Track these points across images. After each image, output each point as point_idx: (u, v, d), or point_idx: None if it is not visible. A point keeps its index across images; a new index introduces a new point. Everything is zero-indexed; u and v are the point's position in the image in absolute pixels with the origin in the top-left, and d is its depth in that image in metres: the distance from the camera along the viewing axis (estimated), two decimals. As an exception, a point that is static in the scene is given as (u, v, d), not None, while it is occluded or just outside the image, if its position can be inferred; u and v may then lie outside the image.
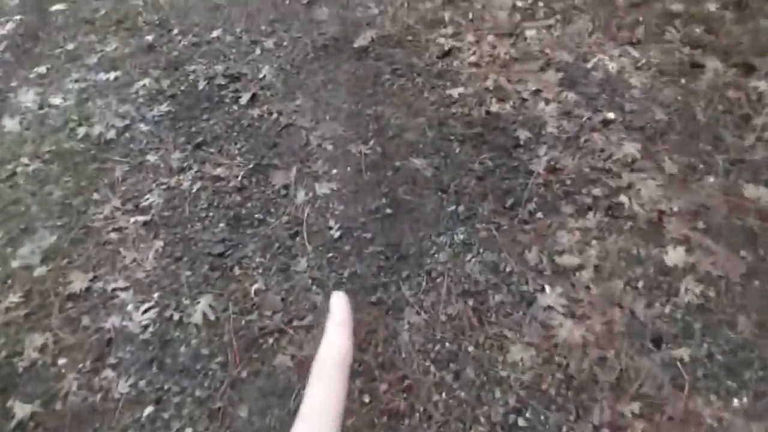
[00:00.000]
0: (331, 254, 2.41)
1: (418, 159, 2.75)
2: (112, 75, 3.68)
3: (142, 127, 3.24)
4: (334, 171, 2.77)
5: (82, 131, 3.26)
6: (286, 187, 2.72)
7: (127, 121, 3.28)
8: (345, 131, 2.97)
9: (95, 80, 3.67)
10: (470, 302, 2.22)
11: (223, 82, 3.44)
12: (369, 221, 2.52)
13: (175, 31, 4.01)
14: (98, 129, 3.26)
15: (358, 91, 3.21)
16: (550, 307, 2.18)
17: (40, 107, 3.51)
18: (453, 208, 2.51)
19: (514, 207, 2.52)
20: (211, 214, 2.62)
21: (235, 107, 3.27)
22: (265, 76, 3.45)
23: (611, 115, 2.86)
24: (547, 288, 2.24)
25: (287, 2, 4.08)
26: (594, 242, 2.36)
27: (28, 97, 3.60)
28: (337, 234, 2.47)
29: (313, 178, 2.75)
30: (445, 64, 3.29)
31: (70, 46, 4.03)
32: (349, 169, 2.77)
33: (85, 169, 3.00)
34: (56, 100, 3.52)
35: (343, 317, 0.45)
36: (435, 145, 2.81)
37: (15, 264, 2.48)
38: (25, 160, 3.09)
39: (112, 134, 3.21)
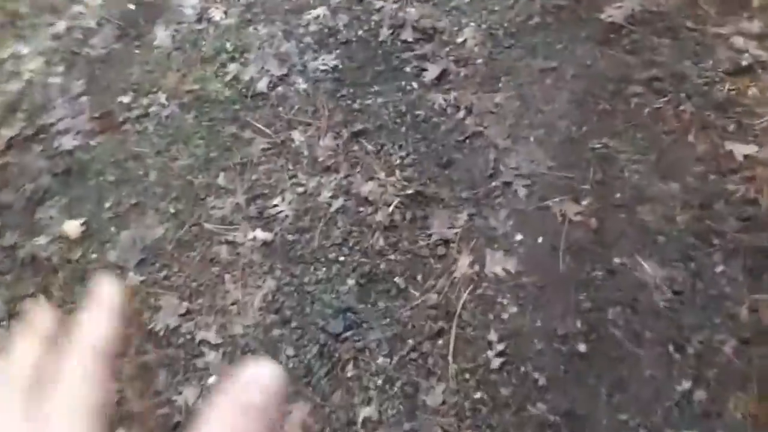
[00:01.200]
0: (478, 393, 1.71)
1: (648, 261, 1.83)
2: (285, -10, 3.01)
3: (300, 83, 2.60)
4: (519, 237, 1.97)
5: (232, 70, 2.72)
6: (446, 242, 1.99)
7: (285, 70, 2.66)
8: (551, 170, 2.09)
9: (265, -7, 3.04)
10: None
11: (410, 38, 2.62)
12: (549, 354, 1.75)
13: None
14: (251, 72, 2.68)
15: (588, 100, 2.24)
16: None
17: (199, 19, 3.00)
18: (687, 385, 1.63)
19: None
20: (342, 258, 2.01)
21: (415, 84, 2.48)
22: (465, 41, 2.56)
23: None
24: None
25: None
26: None
27: (189, 0, 3.09)
28: (496, 360, 1.75)
29: (486, 240, 1.98)
30: (737, 89, 2.15)
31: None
32: (541, 241, 1.94)
33: (222, 131, 2.49)
34: (217, 14, 2.98)
35: (110, 302, 0.35)
36: (683, 244, 1.85)
37: (111, 257, 2.13)
38: (162, 97, 2.65)
39: (263, 85, 2.62)
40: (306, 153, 2.36)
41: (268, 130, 2.45)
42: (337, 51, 2.69)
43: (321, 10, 2.86)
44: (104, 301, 0.35)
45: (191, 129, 2.52)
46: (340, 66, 2.64)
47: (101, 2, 3.22)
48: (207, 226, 2.17)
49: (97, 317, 0.35)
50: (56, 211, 2.33)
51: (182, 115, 2.58)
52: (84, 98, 2.75)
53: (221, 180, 2.32)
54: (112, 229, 2.23)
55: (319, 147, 2.36)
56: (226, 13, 2.98)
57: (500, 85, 2.39)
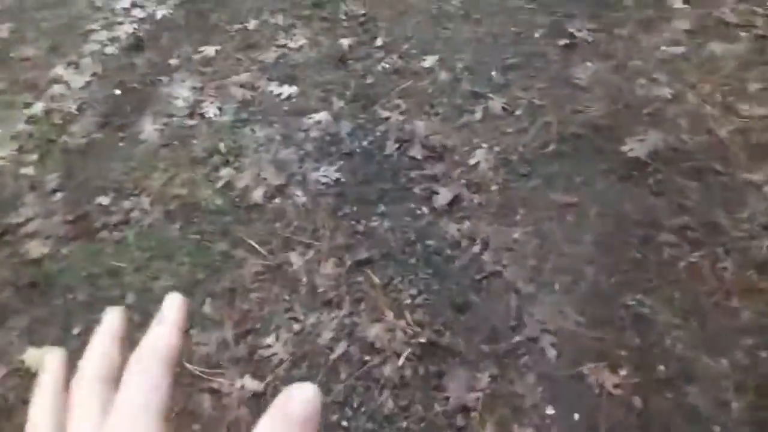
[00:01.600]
0: None
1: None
2: (286, 89, 2.86)
3: (299, 195, 2.41)
4: (551, 411, 1.76)
5: (225, 175, 2.52)
6: (466, 410, 1.77)
7: (283, 179, 2.47)
8: (581, 326, 1.92)
9: (265, 91, 2.88)
10: None
11: (419, 156, 2.48)
12: None
13: (380, 39, 3.06)
14: (245, 179, 2.49)
15: (615, 244, 2.10)
16: None
17: (191, 114, 2.81)
18: None
19: None
20: (345, 423, 1.77)
21: (425, 209, 2.32)
22: (478, 164, 2.43)
23: None
24: None
25: (538, 38, 2.92)
26: None
27: (181, 91, 2.91)
28: None
29: (512, 411, 1.77)
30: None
31: (251, 25, 3.25)
32: (578, 419, 1.74)
33: (211, 247, 2.26)
34: (211, 110, 2.79)
35: (175, 318, 0.35)
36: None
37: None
38: (145, 201, 2.42)
39: (258, 195, 2.42)
40: (304, 280, 2.14)
41: (262, 250, 2.24)
42: (340, 162, 2.53)
43: (323, 115, 2.72)
44: (169, 316, 0.36)
45: (176, 242, 2.29)
46: (343, 179, 2.47)
47: (84, 84, 3.02)
48: (189, 366, 1.91)
49: (163, 329, 0.35)
50: (16, 335, 2.04)
51: (167, 224, 2.35)
52: (58, 195, 2.50)
53: (208, 308, 2.08)
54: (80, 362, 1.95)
55: (318, 275, 2.15)
56: (220, 109, 2.81)
57: (517, 217, 2.25)
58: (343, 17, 3.22)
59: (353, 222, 2.32)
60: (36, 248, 2.27)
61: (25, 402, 1.87)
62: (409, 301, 2.05)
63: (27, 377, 1.93)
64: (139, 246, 2.28)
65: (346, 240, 2.26)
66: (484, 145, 2.50)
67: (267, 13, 3.32)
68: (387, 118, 2.68)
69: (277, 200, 2.42)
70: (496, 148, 2.48)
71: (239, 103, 2.83)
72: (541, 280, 2.03)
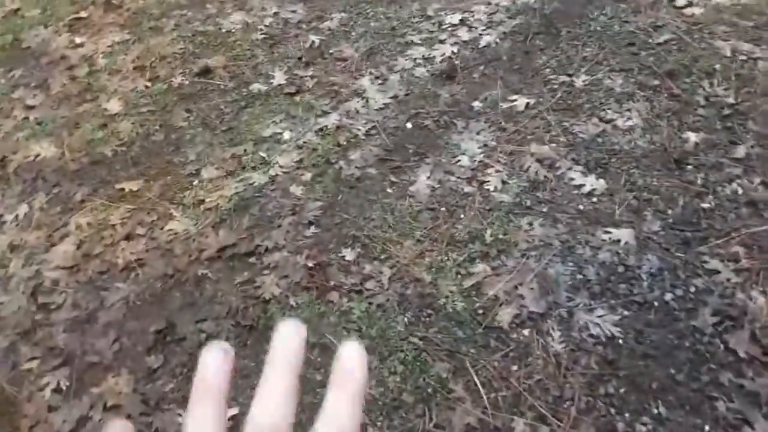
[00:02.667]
0: None
1: None
2: (590, 181, 2.29)
3: (553, 337, 1.89)
4: None
5: (477, 273, 2.11)
6: None
7: (541, 308, 1.97)
8: None
9: (564, 175, 2.36)
10: None
11: (742, 352, 1.74)
12: None
13: (743, 149, 2.25)
14: (497, 289, 2.07)
15: None
16: None
17: (470, 179, 2.45)
18: None
19: None
20: None
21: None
22: None
23: None
24: None
25: None
26: None
27: (472, 146, 2.56)
28: None
29: None
30: None
31: (580, 81, 2.71)
32: None
33: (430, 365, 1.92)
34: (493, 181, 2.39)
35: (354, 375, 0.33)
36: None
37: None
38: (384, 273, 2.17)
39: (506, 317, 1.97)
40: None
41: (486, 399, 1.82)
42: (625, 312, 1.92)
43: (626, 235, 2.11)
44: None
45: (396, 341, 2.00)
46: (620, 339, 1.87)
47: (382, 106, 2.87)
48: None
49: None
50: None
51: (397, 312, 2.07)
52: (311, 230, 2.40)
53: (397, 449, 1.76)
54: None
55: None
56: (504, 183, 2.38)
57: None
58: (701, 101, 2.47)
59: (613, 411, 1.73)
60: (270, 287, 2.21)
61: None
62: None
63: None
64: (359, 328, 2.05)
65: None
66: None
67: (605, 70, 2.73)
68: (714, 272, 1.95)
69: (525, 332, 1.95)
70: None
71: (528, 182, 2.37)
72: None
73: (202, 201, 2.55)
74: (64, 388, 2.04)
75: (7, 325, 2.24)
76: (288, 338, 0.34)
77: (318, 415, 0.32)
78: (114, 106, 3.05)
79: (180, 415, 1.89)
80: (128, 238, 2.43)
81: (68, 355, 2.12)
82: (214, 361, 0.33)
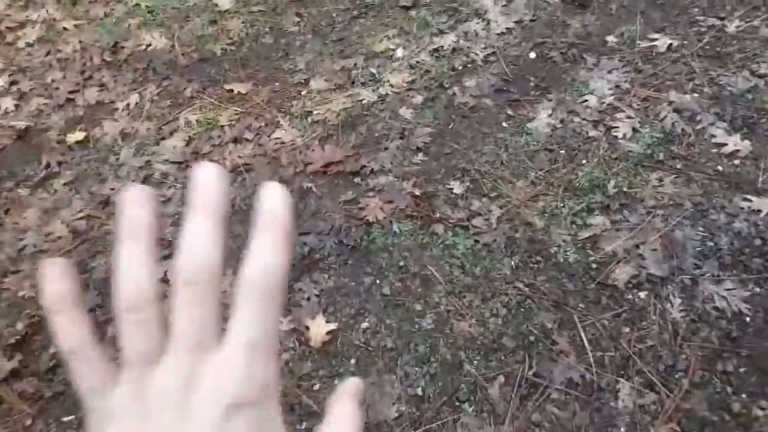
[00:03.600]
0: None
1: None
2: (734, 141, 2.12)
3: (672, 304, 1.81)
4: None
5: (595, 225, 2.03)
6: None
7: (664, 272, 1.88)
8: None
9: (704, 130, 2.18)
10: None
11: None
12: None
13: None
14: (617, 246, 1.98)
15: None
16: None
17: (596, 122, 2.30)
18: None
19: None
20: None
21: None
22: None
23: None
24: None
25: None
26: None
27: (602, 85, 2.39)
28: None
29: None
30: None
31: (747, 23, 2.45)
32: None
33: (534, 313, 1.88)
34: (623, 128, 2.24)
35: (278, 216, 0.31)
36: None
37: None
38: (494, 212, 2.11)
39: (622, 276, 1.89)
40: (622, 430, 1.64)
41: (592, 356, 1.78)
42: (757, 289, 1.81)
43: (767, 203, 1.95)
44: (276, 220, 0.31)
45: (501, 284, 1.97)
46: (748, 317, 1.77)
47: (504, 30, 2.70)
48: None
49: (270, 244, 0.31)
50: (306, 298, 2.05)
51: (503, 254, 2.02)
52: (419, 157, 2.34)
53: (494, 391, 1.76)
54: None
55: (642, 437, 1.62)
56: (635, 131, 2.23)
57: None
58: None
59: (729, 390, 1.67)
60: (374, 210, 2.19)
61: (291, 372, 1.90)
62: None
63: (305, 340, 1.94)
64: (462, 265, 2.02)
65: (698, 414, 1.64)
66: None
67: (762, 16, 2.46)
68: None
69: (641, 295, 1.88)
70: None
71: (662, 133, 2.21)
72: None
73: (310, 113, 2.52)
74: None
75: (116, 212, 2.33)
76: (207, 181, 0.31)
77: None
78: (224, 2, 3.00)
79: (281, 321, 1.95)
80: (236, 141, 2.45)
81: (174, 249, 2.20)
82: (136, 199, 0.31)
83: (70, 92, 2.70)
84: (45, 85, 2.75)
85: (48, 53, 2.86)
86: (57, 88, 2.72)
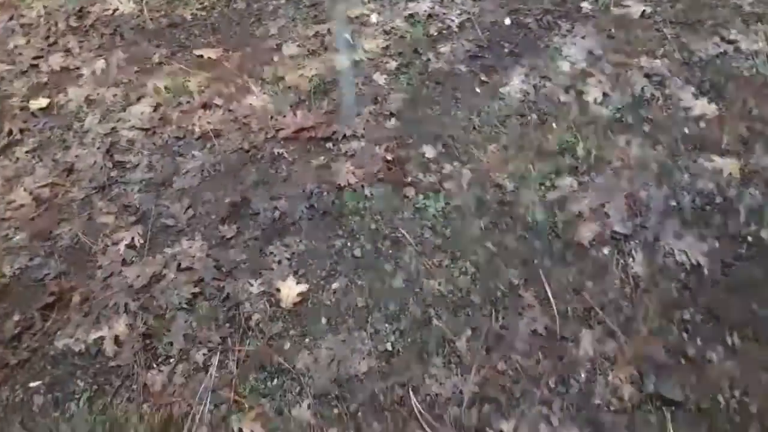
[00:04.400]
0: None
1: None
2: (701, 105, 2.33)
3: (633, 258, 2.03)
4: None
5: (562, 187, 2.23)
6: None
7: (627, 229, 2.09)
8: None
9: (673, 95, 2.39)
10: None
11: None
12: None
13: None
14: (583, 206, 2.18)
15: None
16: None
17: (567, 87, 2.51)
18: None
19: None
20: None
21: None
22: None
23: None
24: None
25: None
26: None
27: (574, 52, 2.59)
28: None
29: None
30: None
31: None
32: None
33: (501, 270, 2.08)
34: (593, 92, 2.44)
35: None
36: None
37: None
38: (464, 176, 2.31)
39: (586, 235, 2.10)
40: (582, 377, 1.85)
41: (555, 308, 1.98)
42: (715, 245, 2.02)
43: (731, 165, 2.16)
44: None
45: (470, 245, 2.16)
46: (706, 269, 1.98)
47: (480, -3, 2.89)
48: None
49: None
50: (277, 261, 2.22)
51: (473, 216, 2.22)
52: (392, 122, 2.52)
53: (462, 345, 1.96)
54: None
55: (599, 384, 1.83)
56: (605, 96, 2.44)
57: None
58: None
59: (685, 337, 1.88)
60: (346, 174, 2.37)
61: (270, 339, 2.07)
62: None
63: (275, 302, 2.11)
64: (433, 226, 2.21)
65: (656, 359, 1.85)
66: None
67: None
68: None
69: (605, 251, 2.08)
70: None
71: (632, 98, 2.42)
72: None
73: (282, 78, 2.69)
74: (138, 245, 2.28)
75: (83, 178, 2.48)
76: None
77: None
78: (194, -34, 3.16)
79: (251, 284, 2.12)
80: (205, 107, 2.61)
81: (143, 215, 2.35)
82: None
83: (34, 58, 2.85)
84: (7, 51, 2.89)
85: (11, 18, 3.00)
86: (20, 54, 2.86)
